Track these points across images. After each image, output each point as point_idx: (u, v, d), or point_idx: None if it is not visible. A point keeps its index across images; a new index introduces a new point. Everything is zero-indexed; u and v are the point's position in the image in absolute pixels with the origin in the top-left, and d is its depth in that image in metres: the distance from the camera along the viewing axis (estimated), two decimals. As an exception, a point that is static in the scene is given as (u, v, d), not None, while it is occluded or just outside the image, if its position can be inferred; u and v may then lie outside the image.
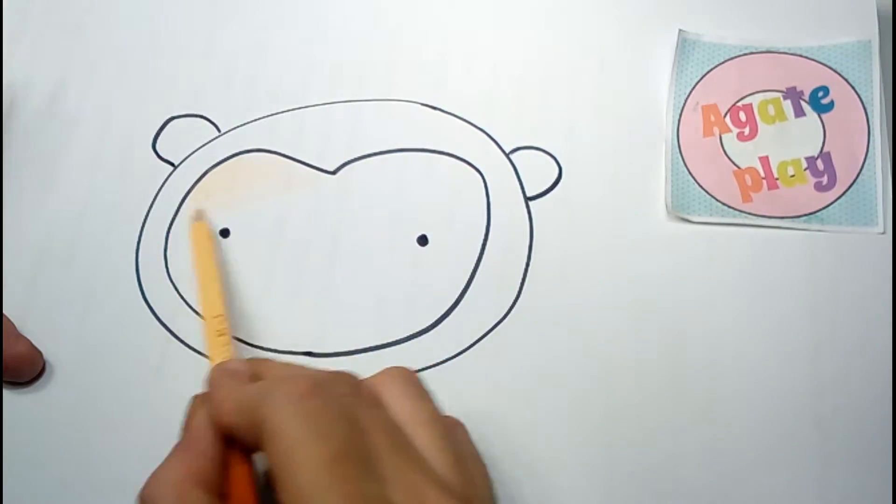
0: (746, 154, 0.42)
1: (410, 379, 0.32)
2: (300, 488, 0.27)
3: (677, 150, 0.42)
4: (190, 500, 0.29)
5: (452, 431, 0.31)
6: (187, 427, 0.32)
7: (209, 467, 0.30)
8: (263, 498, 0.30)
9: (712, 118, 0.43)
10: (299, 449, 0.27)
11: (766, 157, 0.42)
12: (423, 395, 0.32)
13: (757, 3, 0.45)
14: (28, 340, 0.39)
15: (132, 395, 0.39)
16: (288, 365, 0.35)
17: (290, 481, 0.27)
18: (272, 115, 0.45)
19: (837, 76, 0.43)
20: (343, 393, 0.30)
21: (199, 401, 0.33)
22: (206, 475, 0.30)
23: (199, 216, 0.42)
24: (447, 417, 0.32)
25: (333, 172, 0.43)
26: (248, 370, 0.33)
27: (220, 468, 0.30)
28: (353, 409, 0.29)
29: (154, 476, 0.30)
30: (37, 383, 0.39)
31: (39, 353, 0.39)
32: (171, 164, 0.44)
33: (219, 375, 0.33)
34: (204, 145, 0.44)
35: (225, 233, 0.42)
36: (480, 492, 0.31)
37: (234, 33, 0.47)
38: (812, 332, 0.38)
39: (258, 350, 0.40)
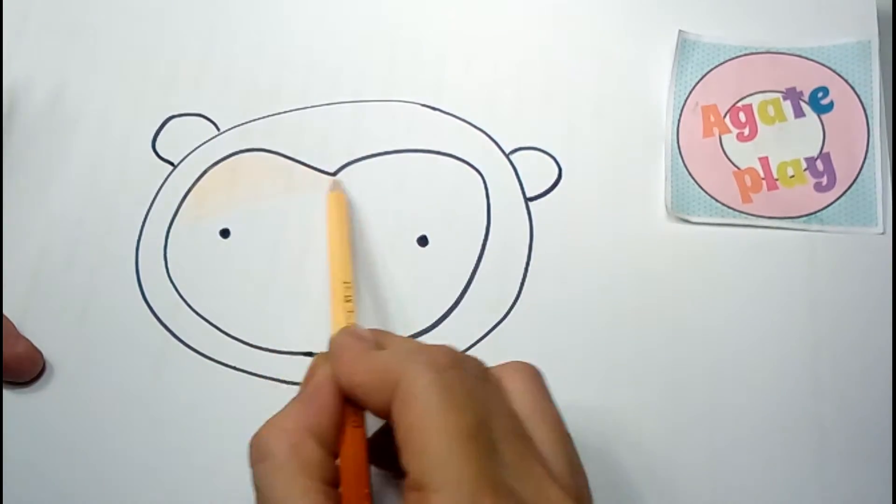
0: (746, 154, 0.42)
1: (537, 376, 0.31)
2: (431, 456, 0.26)
3: (677, 151, 0.42)
4: (305, 450, 0.29)
5: (570, 437, 0.31)
6: (307, 382, 0.32)
7: (326, 422, 0.30)
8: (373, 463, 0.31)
9: (712, 119, 0.43)
10: (435, 417, 0.27)
11: (766, 158, 0.42)
12: (546, 394, 0.31)
13: (757, 4, 0.45)
14: (28, 340, 0.39)
15: (132, 395, 0.39)
16: (414, 341, 0.34)
17: (420, 448, 0.27)
18: (272, 115, 0.45)
19: (837, 77, 0.43)
20: (473, 374, 0.29)
21: (321, 359, 0.33)
22: (323, 429, 0.30)
23: (336, 186, 0.42)
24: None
25: (333, 173, 0.43)
26: (374, 337, 0.33)
27: (336, 426, 0.30)
28: (483, 390, 0.29)
29: (269, 423, 0.30)
30: (37, 383, 0.39)
31: (39, 353, 0.39)
32: (171, 164, 0.44)
33: (346, 338, 0.32)
34: (203, 144, 0.44)
35: (225, 233, 0.42)
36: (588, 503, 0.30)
37: (233, 33, 0.47)
38: (812, 332, 0.38)
39: (258, 350, 0.40)
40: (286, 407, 0.31)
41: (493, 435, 0.27)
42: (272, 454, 0.29)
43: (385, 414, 0.29)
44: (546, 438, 0.29)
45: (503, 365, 0.32)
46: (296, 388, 0.38)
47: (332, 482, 0.29)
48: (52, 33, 0.47)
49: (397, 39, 0.46)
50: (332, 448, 0.30)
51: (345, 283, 0.37)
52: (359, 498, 0.29)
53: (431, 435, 0.27)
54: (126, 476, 0.37)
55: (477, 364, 0.31)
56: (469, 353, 0.38)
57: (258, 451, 0.29)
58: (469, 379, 0.29)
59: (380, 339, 0.33)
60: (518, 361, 0.32)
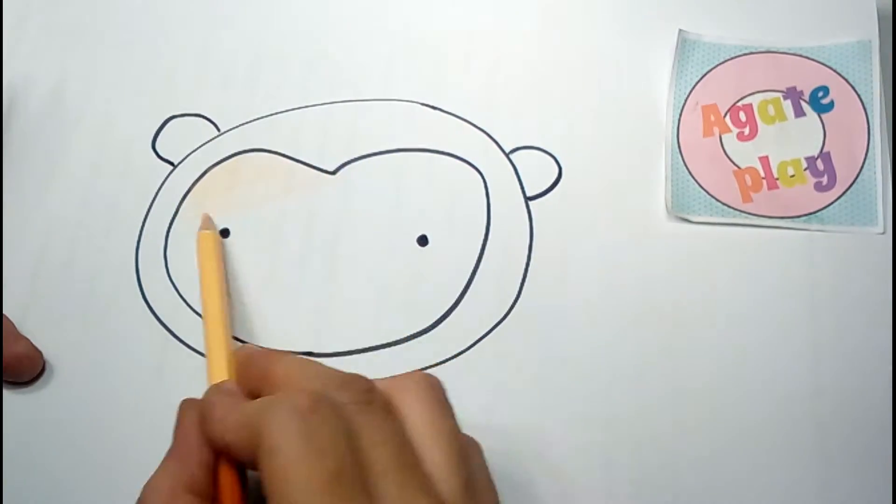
0: (746, 154, 0.42)
1: (433, 389, 0.31)
2: None
3: (677, 150, 0.42)
4: None
5: (468, 452, 0.30)
6: (176, 433, 0.32)
7: (200, 473, 0.30)
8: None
9: (712, 118, 0.43)
10: (296, 467, 0.26)
11: (766, 157, 0.42)
12: (443, 409, 0.30)
13: (757, 4, 0.45)
14: (28, 340, 0.39)
15: (132, 395, 0.39)
16: (300, 365, 0.33)
17: (286, 500, 0.26)
18: (272, 114, 0.45)
19: (837, 76, 0.43)
20: (351, 401, 0.29)
21: (185, 406, 0.33)
22: (198, 481, 0.30)
23: (207, 224, 0.41)
24: (464, 436, 0.31)
25: (333, 172, 0.43)
26: (243, 390, 0.33)
27: (210, 474, 0.30)
28: (359, 421, 0.28)
29: (147, 485, 0.30)
30: (37, 383, 0.39)
31: (39, 353, 0.39)
32: (171, 164, 0.44)
33: (215, 395, 0.32)
34: (203, 145, 0.44)
35: (225, 233, 0.42)
36: None
37: (233, 33, 0.47)
38: (812, 331, 0.38)
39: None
40: (161, 463, 0.31)
41: (366, 472, 0.27)
42: None
43: (257, 468, 0.28)
44: (439, 459, 0.29)
45: (396, 379, 0.31)
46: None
47: None
48: (52, 33, 0.47)
49: (397, 38, 0.46)
50: (210, 495, 0.30)
51: (221, 329, 0.37)
52: None
53: (292, 487, 0.26)
54: (126, 476, 0.37)
55: (361, 388, 0.30)
56: (469, 353, 0.39)
57: None
58: (340, 415, 0.28)
59: (263, 371, 0.32)
60: (416, 373, 0.31)
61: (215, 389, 0.33)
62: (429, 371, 0.38)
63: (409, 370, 0.32)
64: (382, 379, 0.31)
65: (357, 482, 0.27)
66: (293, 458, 0.27)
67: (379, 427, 0.28)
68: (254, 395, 0.32)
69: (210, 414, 0.31)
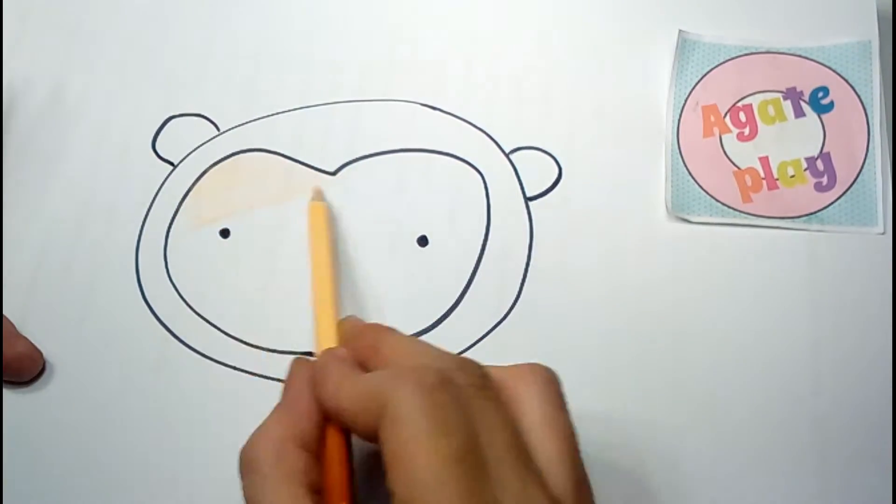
0: (746, 154, 0.42)
1: (551, 382, 0.30)
2: (417, 481, 0.26)
3: (677, 151, 0.42)
4: (290, 458, 0.29)
5: (579, 451, 0.30)
6: (288, 388, 0.32)
7: (309, 428, 0.30)
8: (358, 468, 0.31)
9: (712, 118, 0.43)
10: (422, 441, 0.26)
11: (766, 158, 0.42)
12: (560, 403, 0.30)
13: (757, 4, 0.45)
14: (28, 340, 0.39)
15: (132, 395, 0.39)
16: (411, 343, 0.33)
17: (408, 473, 0.26)
18: (272, 114, 0.45)
19: (837, 76, 0.43)
20: (467, 383, 0.29)
21: (298, 364, 0.33)
22: (306, 436, 0.30)
23: (318, 196, 0.41)
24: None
25: (333, 173, 0.43)
26: (354, 358, 0.33)
27: (319, 430, 0.30)
28: (475, 405, 0.28)
29: (256, 434, 0.30)
30: (37, 383, 0.39)
31: (39, 352, 0.39)
32: (171, 164, 0.44)
33: (329, 361, 0.32)
34: (203, 144, 0.44)
35: (225, 233, 0.42)
36: None
37: (233, 33, 0.47)
38: (812, 331, 0.38)
39: (257, 350, 0.40)
40: (269, 416, 0.31)
41: (485, 454, 0.27)
42: (258, 465, 0.29)
43: (373, 438, 0.28)
44: (551, 453, 0.28)
45: (514, 368, 0.31)
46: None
47: (319, 488, 0.29)
48: (52, 33, 0.47)
49: (397, 39, 0.46)
50: (317, 452, 0.30)
51: (330, 297, 0.37)
52: (339, 501, 0.29)
53: (419, 460, 0.26)
54: (126, 476, 0.37)
55: (476, 372, 0.30)
56: (469, 353, 0.39)
57: (245, 464, 0.30)
58: (460, 396, 0.28)
59: (372, 350, 0.32)
60: (532, 364, 0.31)
61: (329, 355, 0.33)
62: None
63: (553, 372, 0.32)
64: (500, 367, 0.31)
65: (478, 464, 0.27)
66: (419, 431, 0.27)
67: (493, 412, 0.28)
68: (363, 366, 0.32)
69: (324, 378, 0.31)
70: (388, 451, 0.27)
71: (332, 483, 0.30)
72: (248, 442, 0.30)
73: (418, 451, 0.26)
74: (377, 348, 0.32)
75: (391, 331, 0.34)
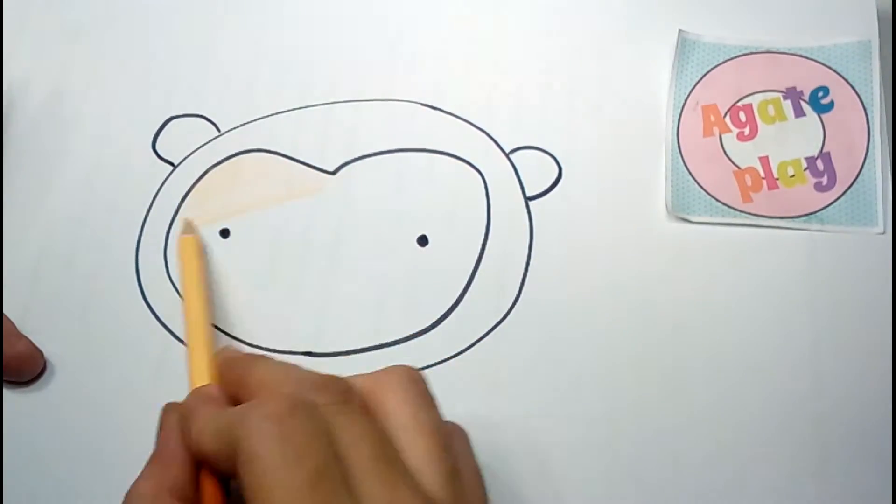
0: (746, 154, 0.42)
1: (413, 381, 0.31)
2: None
3: (677, 151, 0.42)
4: None
5: (452, 441, 0.30)
6: (158, 436, 0.32)
7: (182, 476, 0.30)
8: None
9: (712, 118, 0.43)
10: (275, 472, 0.26)
11: (766, 157, 0.42)
12: (425, 400, 0.30)
13: (757, 4, 0.45)
14: (28, 340, 0.39)
15: (132, 395, 0.39)
16: (276, 370, 0.32)
17: None
18: (272, 115, 0.45)
19: (837, 76, 0.43)
20: (327, 402, 0.29)
21: (168, 410, 0.33)
22: (181, 486, 0.30)
23: (188, 229, 0.41)
24: (448, 424, 0.31)
25: (333, 173, 0.43)
26: (224, 395, 0.33)
27: (193, 479, 0.30)
28: (337, 422, 0.28)
29: (131, 491, 0.30)
30: (37, 383, 0.39)
31: (40, 352, 0.39)
32: (171, 164, 0.44)
33: (196, 400, 0.32)
34: (204, 145, 0.44)
35: (225, 233, 0.42)
36: None
37: (233, 33, 0.47)
38: (812, 331, 0.38)
39: (258, 350, 0.40)
40: (144, 469, 0.31)
41: (349, 471, 0.27)
42: None
43: (236, 476, 0.28)
44: (422, 452, 0.28)
45: (376, 374, 0.31)
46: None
47: None
48: (51, 33, 0.47)
49: (397, 39, 0.46)
50: (192, 498, 0.30)
51: (202, 332, 0.37)
52: None
53: (273, 492, 0.26)
54: (126, 476, 0.37)
55: (337, 389, 0.29)
56: (469, 353, 0.39)
57: None
58: (313, 419, 0.28)
59: (242, 376, 0.32)
60: (396, 367, 0.31)
61: (195, 395, 0.33)
62: (429, 371, 0.38)
63: (414, 370, 0.32)
64: (363, 375, 0.31)
65: (339, 482, 0.26)
66: (271, 463, 0.26)
67: (357, 425, 0.28)
68: (234, 400, 0.32)
69: (189, 423, 0.31)
70: (246, 489, 0.27)
71: None
72: (124, 500, 0.30)
73: (273, 485, 0.26)
74: (245, 381, 0.32)
75: (261, 359, 0.33)
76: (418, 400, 0.30)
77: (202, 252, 0.41)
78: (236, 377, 0.33)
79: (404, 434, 0.29)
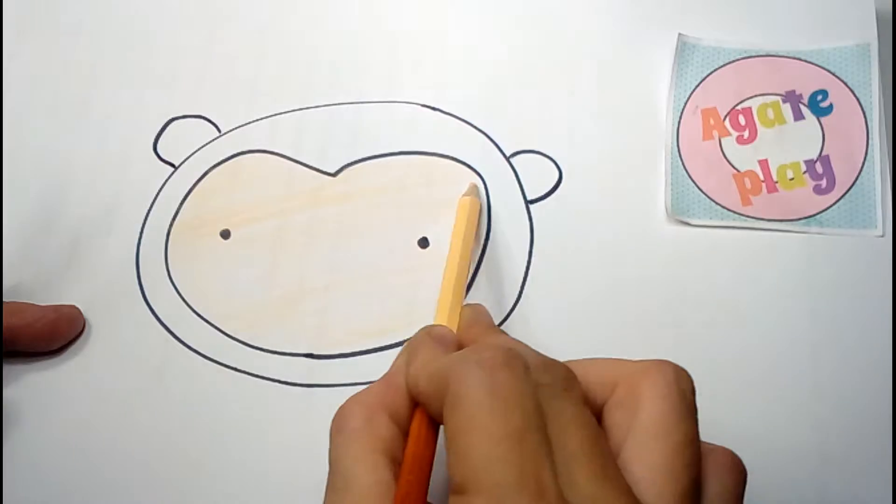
0: (746, 157, 0.42)
1: (678, 382, 0.28)
2: (473, 459, 0.25)
3: (677, 154, 0.42)
4: (378, 426, 0.29)
5: (707, 466, 0.27)
6: (394, 361, 0.32)
7: (401, 402, 0.30)
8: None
9: (712, 122, 0.43)
10: (480, 419, 0.25)
11: (766, 161, 0.42)
12: (683, 408, 0.27)
13: (756, 7, 0.45)
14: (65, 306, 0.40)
15: (133, 396, 0.39)
16: (511, 340, 0.32)
17: (465, 451, 0.25)
18: (273, 115, 0.45)
19: (836, 80, 0.43)
20: (547, 383, 0.27)
21: (407, 345, 0.33)
22: (398, 409, 0.30)
23: (471, 191, 0.41)
24: (716, 449, 0.28)
25: (334, 174, 0.43)
26: (455, 340, 0.32)
27: (409, 409, 0.30)
28: (552, 405, 0.26)
29: (351, 398, 0.30)
30: (37, 383, 0.39)
31: (79, 311, 0.40)
32: (172, 165, 0.44)
33: (422, 340, 0.32)
34: (204, 146, 0.44)
35: (225, 234, 0.42)
36: None
37: (234, 34, 0.47)
38: (811, 334, 0.39)
39: (258, 351, 0.40)
40: (370, 385, 0.31)
41: (554, 447, 0.25)
42: (347, 426, 0.29)
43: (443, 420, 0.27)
44: (657, 460, 0.26)
45: (638, 364, 0.29)
46: (297, 389, 0.39)
47: (402, 461, 0.29)
48: (52, 33, 0.47)
49: (398, 40, 0.46)
50: (405, 427, 0.30)
51: (460, 281, 0.37)
52: (409, 481, 0.28)
53: (474, 438, 0.25)
54: (126, 476, 0.38)
55: (558, 374, 0.28)
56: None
57: (335, 424, 0.30)
58: (527, 382, 0.26)
59: (478, 337, 0.32)
60: (660, 362, 0.29)
61: (425, 331, 0.33)
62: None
63: (684, 372, 0.31)
64: (621, 361, 0.29)
65: (541, 450, 0.25)
66: (477, 409, 0.25)
67: (570, 411, 0.27)
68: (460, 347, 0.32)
69: (413, 357, 0.31)
70: (447, 433, 0.26)
71: (407, 457, 0.29)
72: (343, 405, 0.30)
73: (473, 430, 0.25)
74: (478, 338, 0.32)
75: (499, 330, 0.34)
76: (676, 405, 0.28)
77: (476, 216, 0.40)
78: (473, 333, 0.33)
79: (644, 436, 0.27)
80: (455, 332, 0.34)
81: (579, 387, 0.28)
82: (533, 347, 0.38)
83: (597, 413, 0.29)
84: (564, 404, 0.27)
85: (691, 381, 0.29)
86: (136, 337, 0.40)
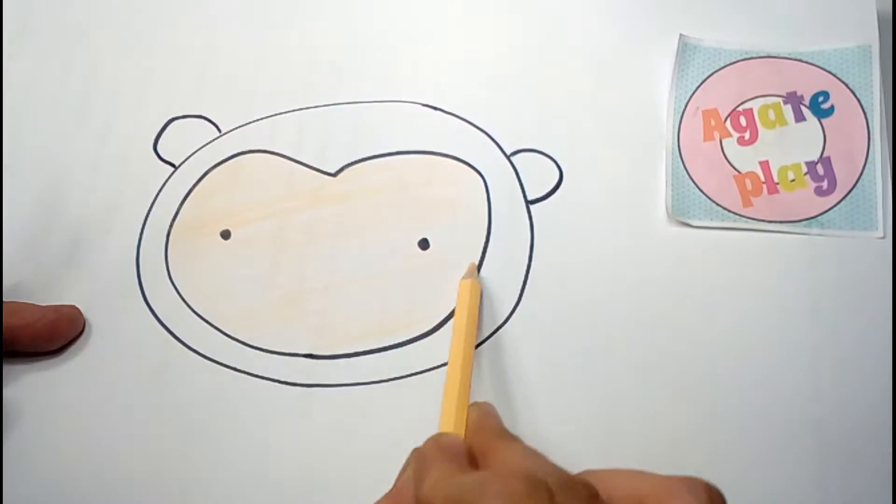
0: (747, 158, 0.42)
1: (710, 498, 0.27)
2: None
3: (678, 155, 0.42)
4: None
5: None
6: (399, 478, 0.31)
7: None
8: None
9: (713, 123, 0.43)
10: None
11: (767, 162, 0.42)
12: None
13: (757, 9, 0.45)
14: (64, 306, 0.40)
15: (132, 396, 0.39)
16: (524, 454, 0.31)
17: None
18: (273, 115, 0.45)
19: (837, 81, 0.43)
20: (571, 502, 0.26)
21: (413, 455, 0.31)
22: None
23: (471, 273, 0.40)
24: None
25: (334, 174, 0.43)
26: (465, 450, 0.31)
27: None
28: None
29: None
30: (37, 383, 0.39)
31: (79, 311, 0.40)
32: (172, 165, 0.44)
33: (435, 452, 0.31)
34: (205, 146, 0.44)
35: (226, 234, 0.42)
36: None
37: (234, 34, 0.47)
38: (812, 336, 0.39)
39: (258, 351, 0.40)
40: (379, 499, 0.30)
41: None
42: None
43: None
44: None
45: (667, 480, 0.27)
46: (297, 390, 0.39)
47: None
48: (52, 34, 0.47)
49: (398, 40, 0.46)
50: None
51: (462, 379, 0.35)
52: None
53: None
54: (126, 477, 0.37)
55: (582, 492, 0.27)
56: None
57: None
58: None
59: (490, 445, 0.31)
60: (690, 479, 0.27)
61: (437, 444, 0.31)
62: (430, 374, 0.38)
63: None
64: (648, 475, 0.28)
65: None
66: None
67: None
68: (472, 463, 0.31)
69: (424, 473, 0.29)
70: None
71: None
72: None
73: None
74: (491, 450, 0.31)
75: (510, 437, 0.32)
76: None
77: (477, 298, 0.39)
78: (483, 442, 0.32)
79: None
80: (463, 437, 0.33)
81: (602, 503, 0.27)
82: (525, 349, 0.37)
83: None
84: None
85: (721, 495, 0.27)
86: (135, 337, 0.40)
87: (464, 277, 0.40)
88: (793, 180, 0.42)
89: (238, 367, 0.39)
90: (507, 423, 0.37)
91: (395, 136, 0.44)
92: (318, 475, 0.37)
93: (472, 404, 0.35)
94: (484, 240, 0.41)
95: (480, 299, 0.39)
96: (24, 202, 0.43)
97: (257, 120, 0.44)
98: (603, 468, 0.29)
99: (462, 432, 0.33)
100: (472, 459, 0.31)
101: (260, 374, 0.39)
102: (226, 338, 0.40)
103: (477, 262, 0.41)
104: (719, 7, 0.45)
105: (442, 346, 0.39)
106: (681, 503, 0.26)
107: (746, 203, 0.41)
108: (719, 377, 0.38)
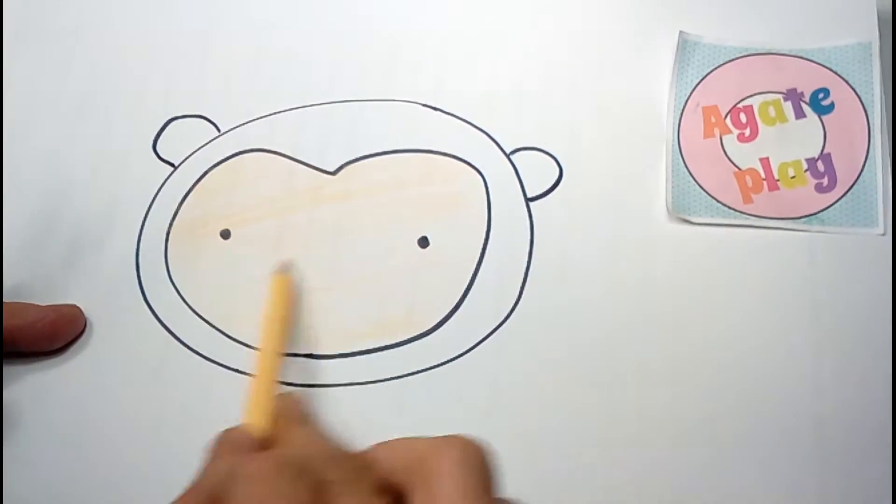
0: (747, 155, 0.42)
1: (469, 459, 0.28)
2: None
3: (678, 152, 0.42)
4: None
5: None
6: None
7: None
8: None
9: (713, 119, 0.43)
10: None
11: (767, 159, 0.42)
12: (475, 479, 0.27)
13: (758, 5, 0.45)
14: (63, 305, 0.40)
15: (132, 396, 0.39)
16: (307, 434, 0.33)
17: None
18: (272, 114, 0.45)
19: (838, 78, 0.43)
20: (335, 479, 0.28)
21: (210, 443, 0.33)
22: None
23: (284, 268, 0.40)
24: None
25: (334, 173, 0.43)
26: (253, 440, 0.32)
27: None
28: (340, 501, 0.27)
29: None
30: (37, 383, 0.39)
31: (80, 310, 0.40)
32: (172, 165, 0.44)
33: (218, 446, 0.33)
34: (204, 145, 0.44)
35: (225, 234, 0.42)
36: None
37: (233, 33, 0.47)
38: (812, 332, 0.38)
39: (258, 351, 0.40)
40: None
41: None
42: None
43: None
44: None
45: (428, 442, 0.28)
46: (297, 390, 0.39)
47: None
48: (52, 34, 0.47)
49: (397, 39, 0.46)
50: None
51: (267, 378, 0.36)
52: None
53: None
54: (126, 477, 0.37)
55: (348, 465, 0.29)
56: (470, 355, 0.39)
57: None
58: (295, 484, 0.27)
59: (283, 430, 0.33)
60: (449, 438, 0.28)
61: (224, 437, 0.33)
62: (430, 373, 0.38)
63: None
64: (417, 440, 0.29)
65: None
66: None
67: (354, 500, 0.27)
68: (268, 446, 0.32)
69: (206, 468, 0.31)
70: None
71: None
72: None
73: None
74: (283, 439, 0.32)
75: (304, 424, 0.34)
76: (467, 476, 0.27)
77: (291, 293, 0.40)
78: (283, 431, 0.33)
79: None
80: (247, 432, 0.34)
81: (371, 477, 0.28)
82: (526, 347, 0.37)
83: (408, 494, 0.28)
84: (351, 499, 0.27)
85: (481, 454, 0.28)
86: (136, 337, 0.40)
87: (276, 272, 0.40)
88: (793, 177, 0.41)
89: (238, 368, 0.39)
90: (507, 422, 0.37)
91: (395, 135, 0.44)
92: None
93: (279, 394, 0.36)
94: (484, 237, 0.41)
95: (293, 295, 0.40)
96: (24, 202, 0.43)
97: (256, 119, 0.45)
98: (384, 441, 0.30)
99: (266, 422, 0.34)
100: (267, 448, 0.32)
101: (260, 373, 0.39)
102: (225, 338, 0.40)
103: (476, 260, 0.41)
104: (719, 4, 0.45)
105: (442, 346, 0.39)
106: (444, 462, 0.27)
107: (747, 200, 0.41)
108: (719, 374, 0.38)
